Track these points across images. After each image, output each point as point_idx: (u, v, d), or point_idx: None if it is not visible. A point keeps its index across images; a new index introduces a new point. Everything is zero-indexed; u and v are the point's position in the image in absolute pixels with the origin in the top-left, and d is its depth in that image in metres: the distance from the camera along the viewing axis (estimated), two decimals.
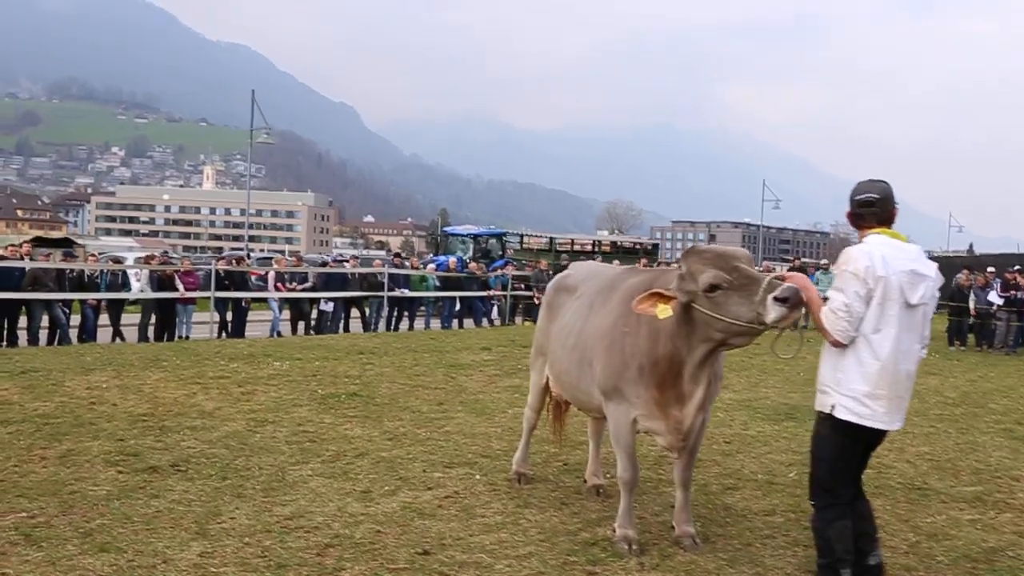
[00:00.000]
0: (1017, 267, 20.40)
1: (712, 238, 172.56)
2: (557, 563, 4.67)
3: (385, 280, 19.90)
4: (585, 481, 6.14)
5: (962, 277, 20.44)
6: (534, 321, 22.16)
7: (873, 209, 4.09)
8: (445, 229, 32.27)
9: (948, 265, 25.24)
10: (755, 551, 4.99)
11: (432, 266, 22.59)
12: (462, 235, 30.81)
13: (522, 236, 33.92)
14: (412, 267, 22.53)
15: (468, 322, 21.74)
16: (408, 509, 5.53)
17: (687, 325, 4.47)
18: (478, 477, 6.35)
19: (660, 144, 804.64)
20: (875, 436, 4.10)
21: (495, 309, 23.38)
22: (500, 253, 30.14)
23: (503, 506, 5.67)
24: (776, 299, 3.96)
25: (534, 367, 6.18)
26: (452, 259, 23.74)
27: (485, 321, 22.04)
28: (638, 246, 36.17)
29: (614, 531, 5.05)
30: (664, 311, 4.35)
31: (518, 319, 23.21)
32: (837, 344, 3.94)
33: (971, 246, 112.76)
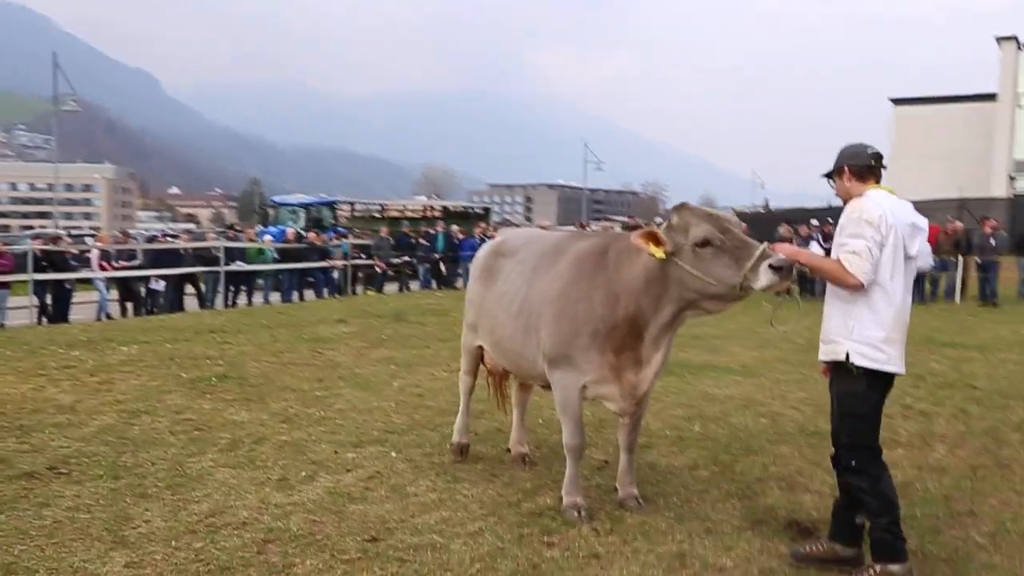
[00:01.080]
0: (817, 222, 21.86)
1: (529, 200, 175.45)
2: (512, 537, 4.54)
3: (221, 254, 18.91)
4: (509, 450, 6.02)
5: (783, 230, 21.65)
6: (377, 290, 22.03)
7: (881, 165, 4.16)
8: (273, 199, 30.98)
9: (755, 220, 26.75)
10: (696, 506, 5.05)
11: (268, 237, 21.63)
12: (292, 205, 29.71)
13: (352, 204, 33.11)
14: (248, 239, 21.52)
15: (308, 294, 21.05)
16: (335, 494, 5.24)
17: (659, 283, 4.40)
18: (394, 455, 6.11)
19: (474, 109, 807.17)
20: (890, 383, 4.10)
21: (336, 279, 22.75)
22: (332, 222, 29.31)
23: (432, 483, 5.47)
24: (772, 267, 3.95)
25: (467, 332, 5.97)
26: (291, 229, 22.86)
27: (326, 292, 21.41)
28: (470, 210, 36.14)
29: (561, 499, 4.97)
30: (658, 252, 4.25)
31: (359, 288, 22.70)
32: (858, 288, 3.88)
33: (767, 201, 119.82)
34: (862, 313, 3.96)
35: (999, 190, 34.51)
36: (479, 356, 5.87)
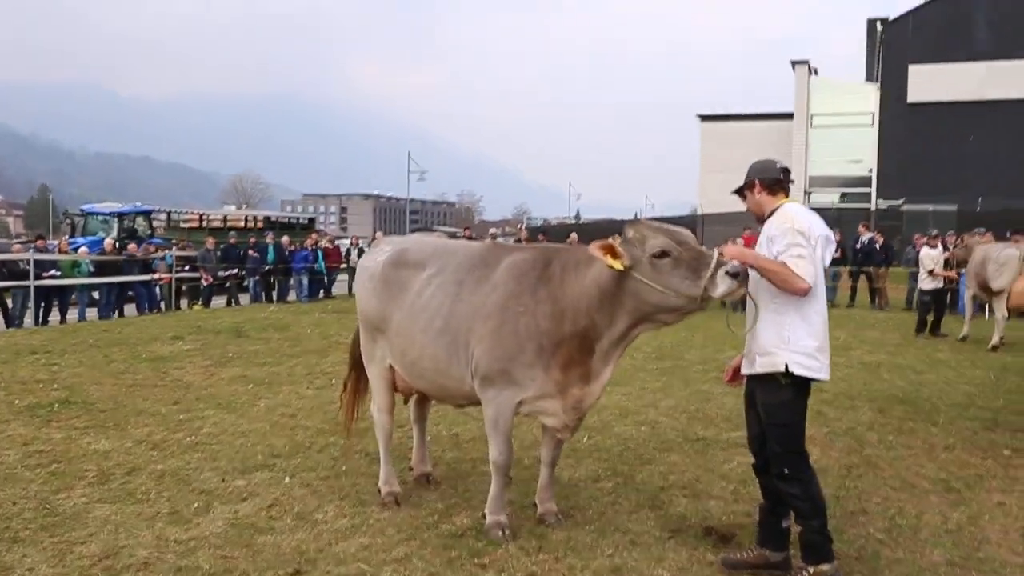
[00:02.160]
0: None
1: (344, 210, 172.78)
2: (442, 561, 4.42)
3: (31, 267, 17.41)
4: (411, 469, 5.84)
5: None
6: (204, 304, 20.97)
7: (788, 178, 4.31)
8: (82, 208, 28.71)
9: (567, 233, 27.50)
10: (612, 518, 5.09)
11: (84, 249, 20.12)
12: (104, 214, 27.67)
13: (169, 213, 31.41)
14: (60, 250, 19.93)
15: (127, 309, 19.74)
16: (237, 526, 4.92)
17: (614, 297, 4.35)
18: (287, 480, 5.81)
19: (286, 116, 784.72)
20: (810, 389, 4.24)
21: (158, 293, 21.46)
22: (149, 232, 27.68)
23: (339, 508, 5.24)
24: (728, 273, 3.98)
25: (372, 359, 5.53)
26: (109, 240, 21.31)
27: (148, 307, 20.14)
28: (295, 221, 35.10)
29: (484, 517, 4.88)
30: (617, 264, 4.19)
31: (183, 303, 21.52)
32: (804, 292, 3.98)
33: (578, 212, 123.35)
34: (795, 323, 4.08)
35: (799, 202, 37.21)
36: (393, 383, 5.47)
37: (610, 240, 4.27)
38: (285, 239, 23.52)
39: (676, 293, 4.12)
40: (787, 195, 4.38)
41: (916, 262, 16.56)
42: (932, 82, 35.67)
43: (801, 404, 4.18)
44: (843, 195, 38.05)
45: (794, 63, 38.62)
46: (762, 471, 4.39)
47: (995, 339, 12.87)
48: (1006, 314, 13.11)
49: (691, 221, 42.12)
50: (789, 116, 40.17)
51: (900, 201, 35.58)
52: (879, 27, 37.93)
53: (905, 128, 35.94)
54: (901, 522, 5.05)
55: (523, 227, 38.74)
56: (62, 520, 5.01)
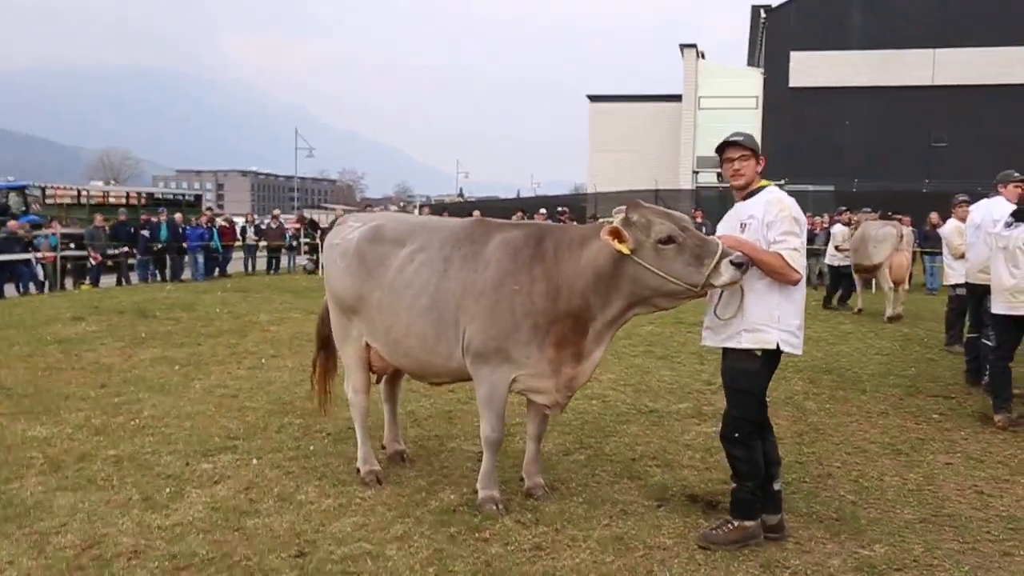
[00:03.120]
0: (563, 208, 23.12)
1: (220, 187, 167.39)
2: (444, 537, 4.39)
3: None
4: (383, 448, 5.76)
5: (517, 218, 22.56)
6: (93, 284, 19.99)
7: None
8: None
9: (455, 211, 27.57)
10: (596, 489, 5.17)
11: None
12: None
13: (44, 189, 29.76)
14: None
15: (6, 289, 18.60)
16: (220, 510, 4.76)
17: (610, 279, 4.35)
18: (255, 462, 5.65)
19: (156, 88, 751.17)
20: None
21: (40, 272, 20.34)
22: (23, 209, 26.18)
23: (320, 489, 5.13)
24: (732, 263, 4.03)
25: (346, 338, 5.38)
26: (14, 222, 19.98)
27: (33, 287, 19.07)
28: (180, 198, 33.86)
29: (476, 492, 4.87)
30: (624, 248, 4.19)
31: (68, 283, 20.46)
32: (796, 282, 4.16)
33: (461, 190, 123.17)
34: (784, 304, 4.25)
35: (686, 183, 38.28)
36: (368, 363, 5.36)
37: (616, 223, 4.28)
38: (178, 216, 22.63)
39: (678, 280, 4.15)
40: None
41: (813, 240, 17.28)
42: (812, 68, 37.19)
43: (767, 376, 4.39)
44: None
45: (683, 47, 39.50)
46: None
47: (890, 311, 13.58)
48: (892, 286, 13.84)
49: (574, 200, 42.79)
50: (677, 98, 41.11)
51: (782, 182, 36.91)
52: (762, 14, 39.26)
53: (787, 112, 37.35)
54: (866, 484, 5.31)
55: (414, 205, 38.45)
56: (25, 510, 4.74)
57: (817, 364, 9.39)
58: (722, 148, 4.49)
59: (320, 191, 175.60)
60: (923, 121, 36.12)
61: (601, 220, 4.74)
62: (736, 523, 4.36)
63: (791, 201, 4.30)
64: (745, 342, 4.30)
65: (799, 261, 4.14)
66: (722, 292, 4.29)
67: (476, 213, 23.50)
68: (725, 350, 4.40)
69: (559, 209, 25.17)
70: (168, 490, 5.07)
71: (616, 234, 4.19)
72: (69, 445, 6.01)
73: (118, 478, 5.30)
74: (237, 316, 13.62)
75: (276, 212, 26.29)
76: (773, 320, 4.23)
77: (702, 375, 8.64)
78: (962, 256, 10.13)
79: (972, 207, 8.23)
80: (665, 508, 4.84)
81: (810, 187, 36.15)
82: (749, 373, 4.33)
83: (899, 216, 15.74)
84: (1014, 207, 7.64)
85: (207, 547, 4.23)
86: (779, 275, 4.15)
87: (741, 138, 4.46)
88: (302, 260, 24.92)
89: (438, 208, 30.68)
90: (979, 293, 8.21)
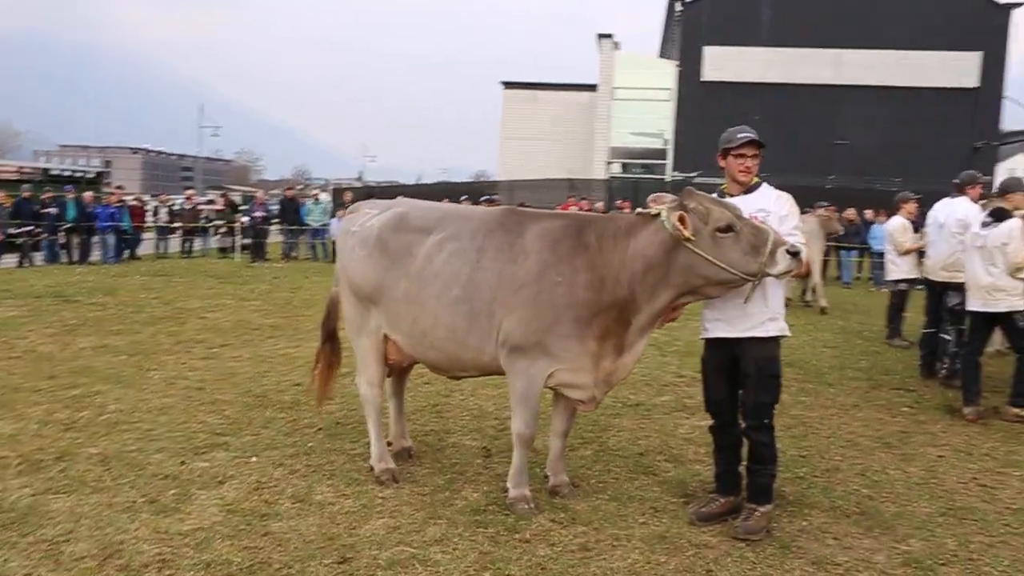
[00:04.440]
0: (486, 197, 23.01)
1: (108, 164, 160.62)
2: (485, 539, 4.26)
3: None
4: (390, 444, 5.54)
5: None
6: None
7: None
8: None
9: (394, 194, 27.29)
10: (619, 486, 5.09)
11: None
12: None
13: None
14: None
15: None
16: (237, 513, 4.50)
17: (661, 268, 4.27)
18: (254, 460, 5.38)
19: (36, 57, 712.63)
20: None
21: None
22: None
23: (334, 488, 4.92)
24: (789, 252, 4.04)
25: (362, 330, 5.15)
26: None
27: None
28: (79, 174, 32.12)
29: (505, 491, 4.74)
30: (688, 235, 4.13)
31: None
32: (804, 274, 4.34)
33: (361, 174, 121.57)
34: (778, 292, 4.46)
35: (600, 173, 38.62)
36: (385, 356, 5.14)
37: (679, 213, 4.21)
38: (88, 195, 21.53)
39: (733, 268, 4.13)
40: None
41: None
42: (723, 63, 37.94)
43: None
44: (641, 166, 39.83)
45: (600, 36, 39.75)
46: (722, 430, 4.69)
47: (822, 303, 13.97)
48: (818, 280, 14.23)
49: (477, 187, 42.70)
50: (591, 87, 41.39)
51: (694, 174, 37.69)
52: (677, 7, 39.81)
53: (699, 105, 38.04)
54: (874, 478, 5.40)
55: (315, 188, 37.56)
56: (20, 516, 4.38)
57: None
58: (732, 143, 4.57)
59: (215, 171, 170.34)
60: (827, 119, 37.36)
61: (639, 210, 4.66)
62: (762, 509, 4.46)
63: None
64: (772, 330, 4.44)
65: (806, 254, 4.33)
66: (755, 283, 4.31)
67: (400, 198, 23.16)
68: (741, 340, 4.46)
69: (484, 197, 25.02)
70: (172, 492, 4.77)
71: (683, 221, 4.13)
72: (41, 443, 5.60)
73: (111, 479, 4.96)
74: (167, 302, 13.03)
75: (190, 192, 25.29)
76: (781, 309, 4.49)
77: (669, 367, 8.69)
78: (907, 252, 10.50)
79: (936, 207, 8.49)
80: (692, 505, 4.80)
81: (720, 180, 37.09)
82: (775, 359, 4.49)
83: (823, 205, 16.13)
84: (977, 207, 7.93)
85: (240, 554, 3.99)
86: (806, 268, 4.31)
87: (754, 135, 4.57)
88: (217, 242, 24.07)
89: (374, 192, 29.66)
90: (938, 290, 8.49)
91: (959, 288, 8.07)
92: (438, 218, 4.96)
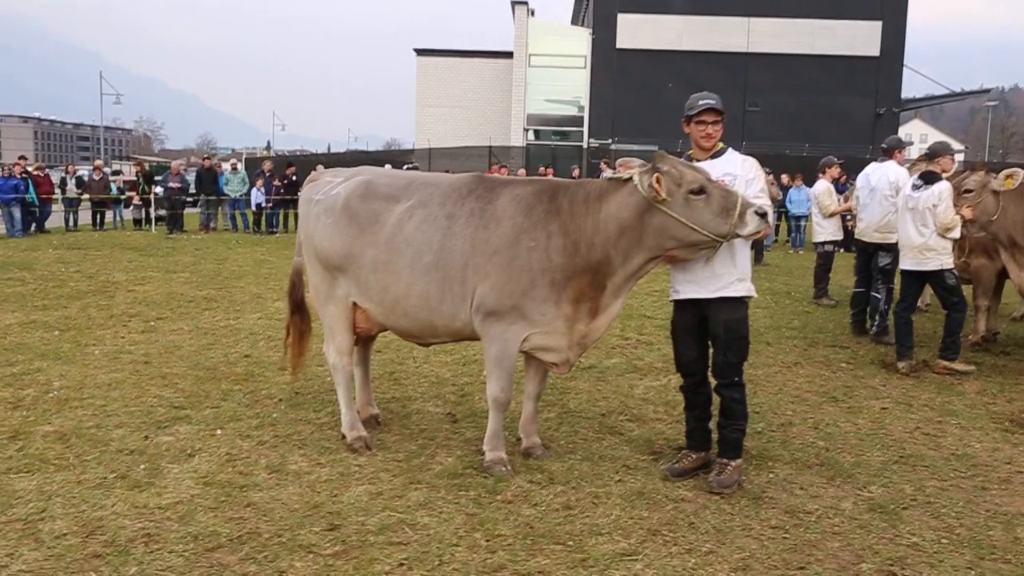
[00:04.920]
0: (408, 165, 22.88)
1: None
2: (468, 501, 4.31)
3: None
4: (358, 412, 5.51)
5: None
6: None
7: None
8: None
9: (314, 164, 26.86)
10: (588, 447, 5.19)
11: None
12: None
13: None
14: None
15: None
16: (215, 485, 4.45)
17: (634, 231, 4.34)
18: (219, 433, 5.30)
19: None
20: None
21: None
22: None
23: (307, 458, 4.89)
24: (757, 213, 4.17)
25: (330, 298, 5.10)
26: None
27: None
28: None
29: (482, 455, 4.80)
30: (664, 195, 4.22)
31: None
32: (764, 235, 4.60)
33: (269, 143, 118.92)
34: (745, 252, 4.61)
35: (518, 140, 38.73)
36: (353, 323, 5.11)
37: (656, 175, 4.29)
38: None
39: (704, 230, 4.24)
40: None
41: None
42: (638, 31, 38.35)
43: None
44: (558, 133, 40.05)
45: (514, 3, 39.61)
46: (692, 388, 4.86)
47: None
48: None
49: (398, 156, 42.38)
50: (507, 55, 41.28)
51: (609, 141, 38.13)
52: None
53: (614, 73, 38.41)
54: (827, 431, 5.65)
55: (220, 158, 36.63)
56: None
57: None
58: (692, 110, 4.68)
59: (114, 140, 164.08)
60: (739, 86, 38.14)
61: (608, 174, 4.75)
62: (733, 463, 4.63)
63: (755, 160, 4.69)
64: (741, 290, 4.59)
65: (771, 217, 4.55)
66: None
67: (319, 166, 22.81)
68: (710, 301, 4.58)
69: (406, 165, 24.83)
70: (142, 467, 4.68)
71: (658, 182, 4.21)
72: None
73: (75, 456, 4.83)
74: (89, 276, 12.62)
75: (99, 163, 24.35)
76: (747, 271, 4.62)
77: (613, 331, 8.83)
78: (832, 215, 10.88)
79: (867, 171, 8.80)
80: (662, 461, 4.95)
81: (635, 147, 37.60)
82: (743, 319, 4.64)
83: None
84: (904, 171, 8.27)
85: (226, 526, 3.95)
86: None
87: (714, 102, 4.67)
88: (130, 214, 23.28)
89: (292, 161, 28.75)
90: (869, 250, 8.84)
91: (890, 249, 8.44)
92: (404, 185, 4.94)
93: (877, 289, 8.69)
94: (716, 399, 4.78)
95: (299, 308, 5.50)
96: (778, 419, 5.88)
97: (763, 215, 4.23)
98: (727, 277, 4.53)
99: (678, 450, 5.14)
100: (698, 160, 4.66)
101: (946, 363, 7.26)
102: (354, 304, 5.04)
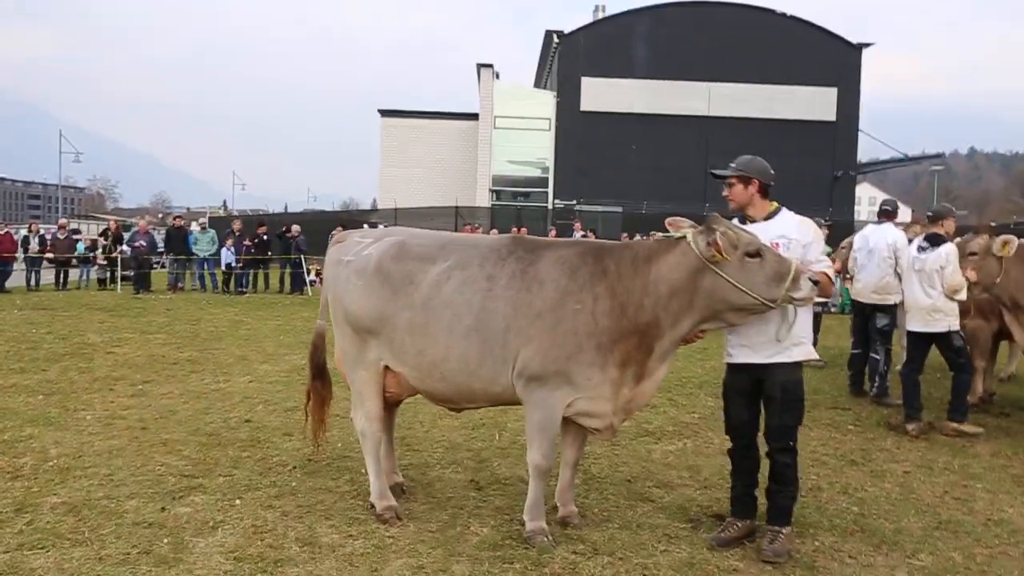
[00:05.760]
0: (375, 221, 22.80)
1: None
2: (516, 573, 4.15)
3: None
4: None
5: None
6: None
7: None
8: None
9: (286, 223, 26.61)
10: (622, 515, 5.06)
11: None
12: None
13: None
14: None
15: None
16: (247, 561, 4.22)
17: (685, 294, 4.30)
18: (239, 503, 5.07)
19: None
20: None
21: None
22: None
23: (337, 530, 4.68)
24: (811, 279, 4.18)
25: (359, 363, 4.92)
26: None
27: None
28: None
29: (522, 524, 4.63)
30: (724, 258, 4.20)
31: None
32: (830, 296, 4.48)
33: (224, 203, 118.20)
34: (804, 318, 4.52)
35: (483, 201, 38.81)
36: (383, 389, 4.95)
37: (690, 234, 4.31)
38: None
39: (757, 294, 4.21)
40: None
41: None
42: (601, 94, 38.91)
43: None
44: (523, 194, 40.28)
45: (480, 66, 40.03)
46: (741, 452, 4.76)
47: None
48: None
49: (348, 216, 42.25)
50: (473, 116, 41.62)
51: (574, 202, 38.42)
52: (555, 39, 40.62)
53: (578, 134, 38.87)
54: (858, 496, 5.57)
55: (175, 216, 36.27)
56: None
57: (705, 379, 9.78)
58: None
59: (67, 199, 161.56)
60: (701, 149, 38.80)
61: (658, 234, 4.72)
62: (785, 531, 4.53)
63: (812, 222, 4.67)
64: (797, 355, 4.51)
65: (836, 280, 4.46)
66: (778, 320, 4.41)
67: (295, 227, 22.62)
68: (766, 366, 4.51)
69: (366, 225, 24.72)
70: (165, 541, 4.43)
71: (717, 244, 4.18)
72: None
73: (89, 530, 4.57)
74: (63, 337, 12.24)
75: (63, 222, 23.91)
76: (807, 333, 4.55)
77: None
78: None
79: (865, 233, 8.89)
80: (702, 530, 4.82)
81: (599, 208, 37.93)
82: (799, 382, 4.56)
83: None
84: (902, 233, 8.38)
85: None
86: (826, 292, 4.46)
87: (728, 169, 4.77)
88: (95, 273, 22.78)
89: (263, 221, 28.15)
90: (866, 311, 8.89)
91: (887, 310, 8.50)
92: (440, 246, 4.84)
93: (876, 350, 8.72)
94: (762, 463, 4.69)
95: (320, 373, 5.33)
96: (805, 483, 5.78)
97: (815, 282, 4.21)
98: (784, 343, 4.46)
99: (715, 517, 5.04)
100: (752, 221, 4.63)
101: (955, 425, 7.26)
102: (385, 368, 4.88)
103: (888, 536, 4.81)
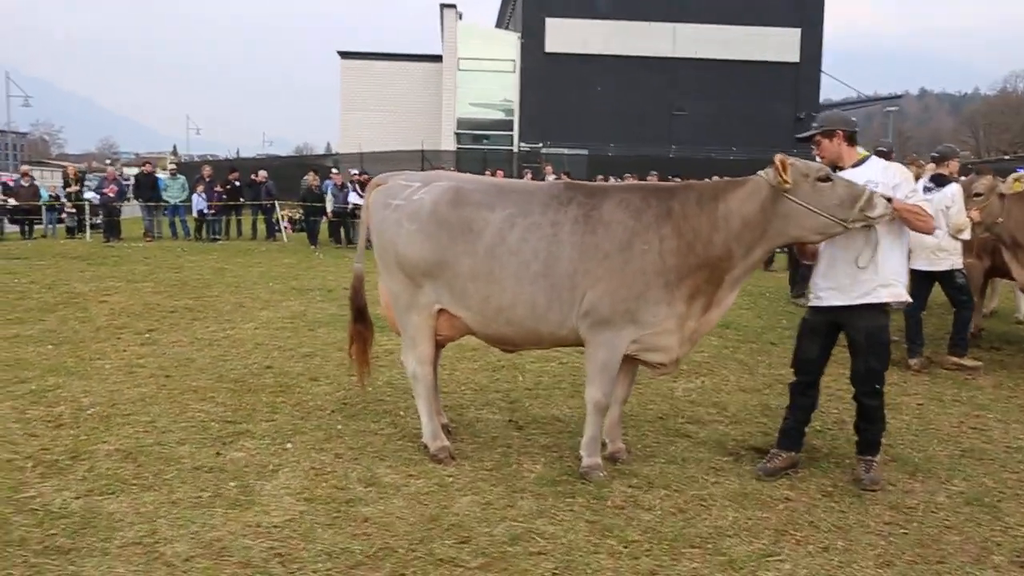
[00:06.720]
0: (357, 171, 22.58)
1: None
2: (583, 509, 4.29)
3: None
4: None
5: (310, 178, 21.65)
6: None
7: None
8: None
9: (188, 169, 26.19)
10: (665, 450, 5.24)
11: None
12: None
13: None
14: None
15: None
16: (317, 502, 4.32)
17: (759, 225, 4.44)
18: (290, 447, 5.15)
19: None
20: None
21: None
22: None
23: (395, 470, 4.79)
24: (884, 197, 4.34)
25: (412, 307, 4.97)
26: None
27: None
28: None
29: (579, 459, 4.79)
30: (787, 182, 4.35)
31: None
32: (933, 231, 4.75)
33: (175, 147, 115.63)
34: (904, 259, 4.66)
35: (448, 144, 38.56)
36: (435, 333, 5.03)
37: (779, 159, 4.40)
38: None
39: (831, 215, 4.34)
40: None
41: None
42: (565, 35, 38.64)
43: None
44: (488, 137, 40.06)
45: (443, 6, 39.44)
46: (802, 389, 4.91)
47: None
48: None
49: (301, 160, 41.78)
50: (436, 59, 41.12)
51: (540, 144, 38.35)
52: None
53: (543, 76, 38.62)
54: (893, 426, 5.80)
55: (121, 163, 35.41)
56: (84, 521, 4.03)
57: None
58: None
59: (7, 145, 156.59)
60: (665, 90, 38.85)
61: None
62: (878, 459, 4.79)
63: (901, 166, 4.73)
64: (884, 296, 4.59)
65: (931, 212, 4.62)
66: (860, 247, 4.52)
67: (262, 172, 22.33)
68: (851, 309, 4.61)
69: (334, 170, 24.45)
70: (232, 484, 4.51)
71: (783, 166, 4.34)
72: (40, 442, 5.14)
73: (152, 476, 4.62)
74: (48, 287, 12.07)
75: (25, 169, 23.30)
76: (900, 275, 4.63)
77: None
78: None
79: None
80: (747, 462, 5.02)
81: (566, 150, 37.88)
82: (884, 327, 4.67)
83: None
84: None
85: (355, 543, 3.85)
86: (923, 225, 4.55)
87: (813, 127, 4.91)
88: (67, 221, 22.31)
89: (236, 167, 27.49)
90: None
91: None
92: (498, 193, 4.89)
93: None
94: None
95: (361, 315, 5.38)
96: (830, 417, 6.02)
97: (889, 199, 4.35)
98: (868, 284, 4.55)
99: (754, 450, 5.24)
100: (841, 169, 4.74)
101: (955, 359, 7.55)
102: (438, 312, 4.96)
103: (919, 464, 5.06)
